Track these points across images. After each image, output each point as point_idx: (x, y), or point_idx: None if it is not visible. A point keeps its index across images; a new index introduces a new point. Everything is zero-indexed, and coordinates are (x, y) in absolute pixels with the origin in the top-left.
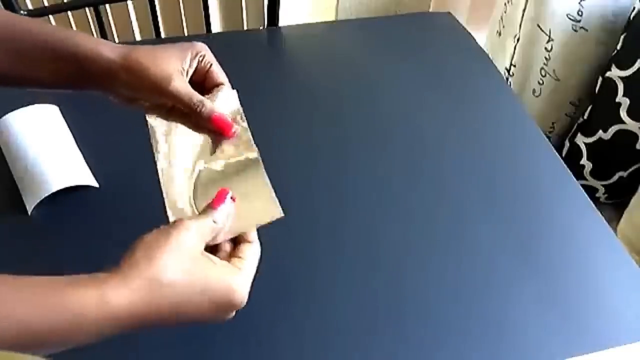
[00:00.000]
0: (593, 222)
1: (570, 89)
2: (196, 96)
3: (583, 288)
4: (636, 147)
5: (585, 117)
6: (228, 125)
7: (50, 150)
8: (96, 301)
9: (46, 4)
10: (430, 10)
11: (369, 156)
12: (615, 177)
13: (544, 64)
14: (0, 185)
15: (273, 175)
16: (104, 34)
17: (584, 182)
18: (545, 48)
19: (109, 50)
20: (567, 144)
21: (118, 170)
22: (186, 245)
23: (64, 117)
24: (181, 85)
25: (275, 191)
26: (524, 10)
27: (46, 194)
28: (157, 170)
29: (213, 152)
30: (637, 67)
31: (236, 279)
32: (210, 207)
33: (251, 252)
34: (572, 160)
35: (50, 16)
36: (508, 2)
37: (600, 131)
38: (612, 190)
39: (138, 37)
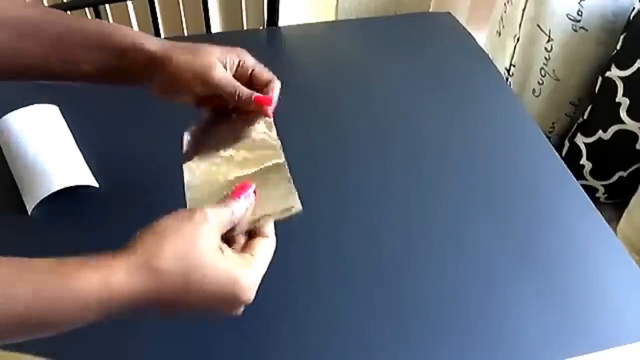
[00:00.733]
0: (593, 222)
1: (570, 89)
2: (237, 83)
3: (583, 288)
4: (636, 147)
5: (585, 117)
6: (269, 98)
7: (50, 150)
8: (99, 286)
9: (46, 4)
10: (430, 10)
11: (368, 156)
12: (615, 177)
13: (544, 64)
14: (0, 185)
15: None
16: None
17: (583, 182)
18: (545, 48)
19: (152, 42)
20: (567, 144)
21: (118, 170)
22: (202, 239)
23: (64, 117)
24: (222, 73)
25: None
26: (523, 10)
27: (46, 194)
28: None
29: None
30: (637, 67)
31: (244, 273)
32: (231, 197)
33: (264, 247)
34: (572, 160)
35: None
36: (508, 2)
37: (600, 131)
38: (612, 190)
39: None
